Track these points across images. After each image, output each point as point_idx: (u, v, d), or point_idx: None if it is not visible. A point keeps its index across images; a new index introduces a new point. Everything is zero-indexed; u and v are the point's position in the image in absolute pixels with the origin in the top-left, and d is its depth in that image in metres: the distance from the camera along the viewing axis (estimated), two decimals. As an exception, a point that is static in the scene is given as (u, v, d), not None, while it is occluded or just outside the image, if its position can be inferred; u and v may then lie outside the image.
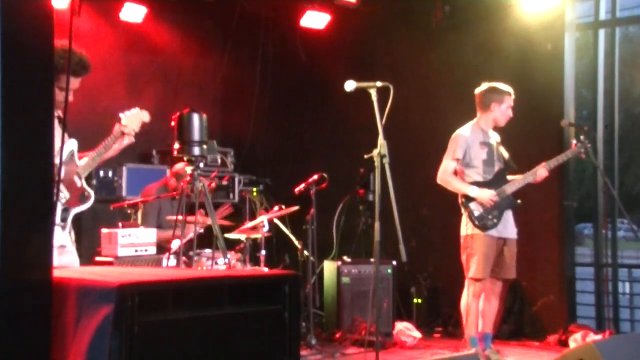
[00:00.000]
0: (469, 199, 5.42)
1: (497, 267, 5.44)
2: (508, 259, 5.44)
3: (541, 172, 5.43)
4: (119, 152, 4.49)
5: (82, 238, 6.76)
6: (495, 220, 5.39)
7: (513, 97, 5.52)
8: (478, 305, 5.43)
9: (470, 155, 5.46)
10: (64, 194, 4.14)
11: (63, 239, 4.10)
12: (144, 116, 4.56)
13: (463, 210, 5.46)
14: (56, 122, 3.98)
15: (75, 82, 4.10)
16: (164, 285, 2.67)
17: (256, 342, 2.82)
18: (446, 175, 5.50)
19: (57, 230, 4.01)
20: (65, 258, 4.10)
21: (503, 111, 5.49)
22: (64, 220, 4.12)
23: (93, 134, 4.57)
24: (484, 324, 5.46)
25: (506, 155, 5.52)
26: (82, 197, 4.22)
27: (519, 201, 5.47)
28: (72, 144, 4.23)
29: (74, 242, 4.30)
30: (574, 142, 5.50)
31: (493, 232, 5.39)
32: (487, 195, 5.37)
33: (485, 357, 5.31)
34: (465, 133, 5.52)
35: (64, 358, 2.49)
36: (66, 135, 4.00)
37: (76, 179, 4.22)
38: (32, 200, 2.37)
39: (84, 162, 4.27)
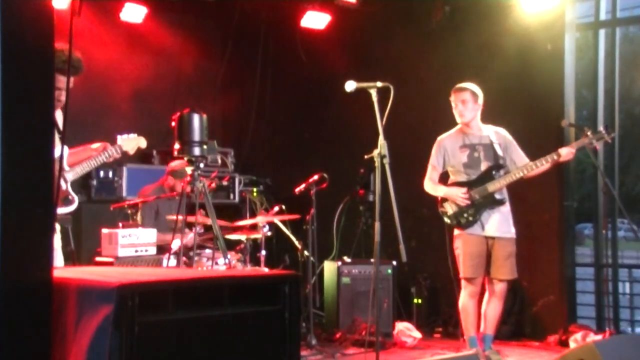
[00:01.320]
0: (444, 199, 5.49)
1: (490, 266, 5.42)
2: (500, 258, 5.37)
3: (563, 150, 5.33)
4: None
5: (82, 238, 6.79)
6: (470, 218, 5.38)
7: (456, 93, 5.45)
8: (475, 305, 5.42)
9: (450, 160, 5.51)
10: None
11: None
12: (141, 142, 4.72)
13: (440, 210, 5.50)
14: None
15: (59, 80, 3.95)
16: (164, 285, 2.67)
17: (256, 342, 2.82)
18: (425, 181, 5.59)
19: None
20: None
21: (455, 113, 5.49)
22: None
23: (91, 133, 4.59)
24: (485, 325, 5.45)
25: (500, 153, 5.48)
26: (65, 200, 4.27)
27: (500, 197, 5.40)
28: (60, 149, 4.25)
29: (58, 241, 4.29)
30: (601, 128, 5.44)
31: (476, 230, 5.38)
32: (456, 193, 5.40)
33: (485, 357, 5.31)
34: (442, 138, 5.58)
35: (64, 358, 2.49)
36: (58, 140, 4.01)
37: (61, 182, 4.23)
38: (32, 200, 2.37)
39: (74, 169, 4.34)
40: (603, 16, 6.83)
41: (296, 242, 6.68)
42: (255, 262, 6.54)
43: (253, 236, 6.33)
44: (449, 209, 5.46)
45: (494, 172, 5.41)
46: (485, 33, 6.87)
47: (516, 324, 6.64)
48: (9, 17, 2.26)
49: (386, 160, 4.42)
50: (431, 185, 5.55)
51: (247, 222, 6.46)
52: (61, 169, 4.17)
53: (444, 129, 5.64)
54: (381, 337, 5.46)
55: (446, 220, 5.49)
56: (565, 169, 6.49)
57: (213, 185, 6.15)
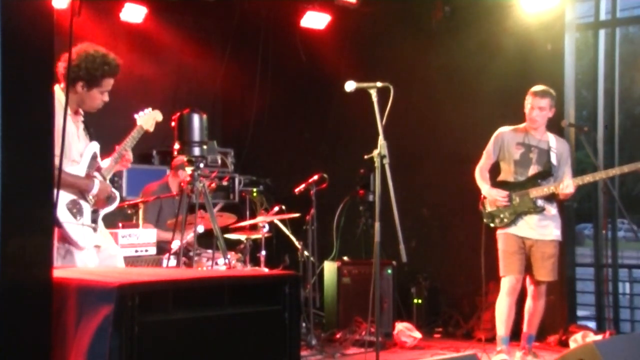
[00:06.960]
0: (484, 196, 5.58)
1: (529, 267, 5.47)
2: (538, 260, 5.42)
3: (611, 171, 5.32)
4: None
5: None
6: (505, 220, 5.44)
7: (535, 97, 5.42)
8: (509, 304, 5.43)
9: (504, 154, 5.54)
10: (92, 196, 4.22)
11: (96, 239, 4.16)
12: (157, 115, 4.68)
13: (480, 208, 5.57)
14: (82, 126, 4.11)
15: (110, 83, 4.29)
16: (164, 285, 2.66)
17: (256, 342, 2.82)
18: (477, 169, 5.63)
19: (89, 231, 4.14)
20: (102, 258, 4.17)
21: (527, 113, 5.49)
22: (94, 221, 4.19)
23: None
24: (524, 323, 5.53)
25: (554, 161, 5.45)
26: (108, 198, 4.32)
27: (542, 204, 5.41)
28: (94, 146, 4.29)
29: (109, 240, 4.40)
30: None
31: (513, 231, 5.44)
32: (496, 195, 5.43)
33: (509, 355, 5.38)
34: (503, 131, 5.59)
35: (64, 358, 2.48)
36: (87, 137, 4.16)
37: (101, 179, 4.30)
38: (32, 200, 2.37)
39: (107, 164, 4.35)
40: (603, 16, 6.83)
41: (296, 242, 6.68)
42: (255, 262, 6.54)
43: (253, 236, 6.33)
44: (487, 207, 5.53)
45: (540, 179, 5.42)
46: (485, 33, 6.87)
47: (516, 324, 6.63)
48: (9, 17, 2.26)
49: (386, 161, 4.43)
50: (479, 177, 5.61)
51: (251, 221, 6.44)
52: (61, 166, 4.21)
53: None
54: (381, 337, 5.46)
55: (484, 219, 5.54)
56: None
57: (213, 185, 6.14)
